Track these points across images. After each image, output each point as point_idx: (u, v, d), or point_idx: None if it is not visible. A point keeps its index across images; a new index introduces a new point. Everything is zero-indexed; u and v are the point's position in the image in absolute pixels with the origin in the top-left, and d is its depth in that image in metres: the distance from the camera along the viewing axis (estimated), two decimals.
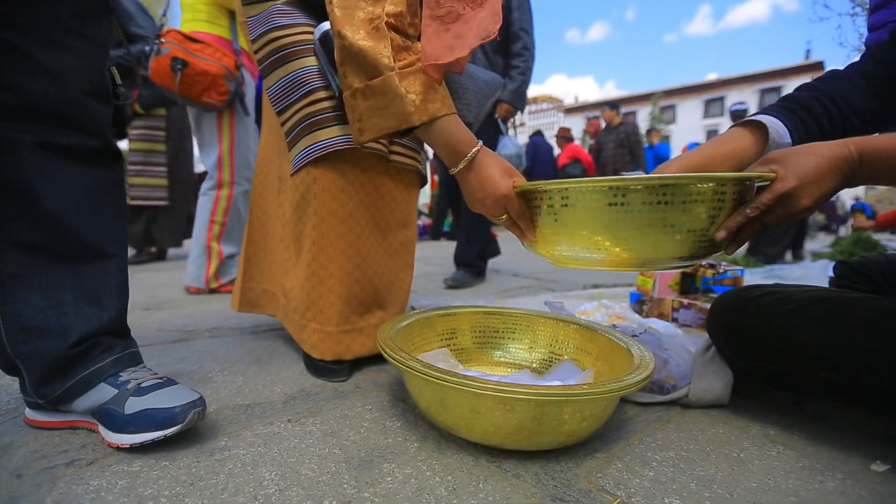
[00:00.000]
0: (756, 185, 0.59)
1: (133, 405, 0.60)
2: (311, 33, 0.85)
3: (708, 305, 1.21)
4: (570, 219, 0.60)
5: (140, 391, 0.62)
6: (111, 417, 0.60)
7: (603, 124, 5.46)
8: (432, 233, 5.32)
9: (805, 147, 0.57)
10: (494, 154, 0.70)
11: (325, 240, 0.86)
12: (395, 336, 0.72)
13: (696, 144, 3.11)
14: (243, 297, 1.09)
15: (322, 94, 0.84)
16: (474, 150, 0.68)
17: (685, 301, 1.26)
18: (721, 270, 1.32)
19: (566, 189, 0.59)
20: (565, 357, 0.84)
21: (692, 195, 0.54)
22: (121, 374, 0.64)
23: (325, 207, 0.86)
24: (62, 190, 0.61)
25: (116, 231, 0.67)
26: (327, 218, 0.86)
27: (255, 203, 1.07)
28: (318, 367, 0.88)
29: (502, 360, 0.89)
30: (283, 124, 0.89)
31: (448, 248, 4.16)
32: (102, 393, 0.62)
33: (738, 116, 3.97)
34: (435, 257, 3.33)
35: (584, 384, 0.56)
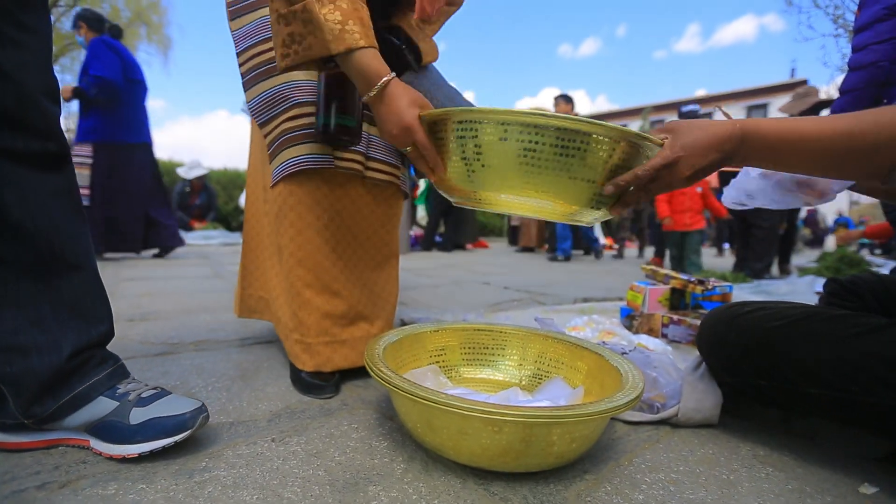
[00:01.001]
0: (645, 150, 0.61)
1: (138, 415, 0.60)
2: None
3: (697, 322, 1.21)
4: (477, 152, 0.60)
5: (142, 401, 0.62)
6: (114, 429, 0.60)
7: None
8: (424, 244, 5.32)
9: (699, 122, 0.59)
10: (407, 86, 0.69)
11: (302, 251, 0.87)
12: (382, 353, 0.71)
13: None
14: (243, 303, 1.11)
15: (301, 111, 0.85)
16: (384, 79, 0.66)
17: (675, 317, 1.26)
18: (710, 287, 1.33)
19: (473, 122, 0.60)
20: (555, 375, 0.83)
21: (590, 142, 0.57)
22: (118, 386, 0.64)
23: (301, 220, 0.86)
24: (25, 198, 0.58)
25: (82, 239, 0.64)
26: (304, 230, 0.86)
27: (249, 213, 1.07)
28: (304, 384, 0.86)
29: (491, 377, 0.88)
30: (265, 136, 0.90)
31: (440, 259, 4.16)
32: (101, 406, 0.61)
33: (691, 117, 3.93)
34: (427, 269, 3.31)
35: (573, 405, 0.55)
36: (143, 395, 0.63)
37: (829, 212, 15.59)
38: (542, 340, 0.87)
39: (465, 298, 2.03)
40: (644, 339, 1.12)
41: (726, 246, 6.57)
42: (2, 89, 0.55)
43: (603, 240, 7.07)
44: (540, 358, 0.87)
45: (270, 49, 0.85)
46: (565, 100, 4.39)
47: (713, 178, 4.54)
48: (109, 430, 0.60)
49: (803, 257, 5.86)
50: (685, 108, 3.92)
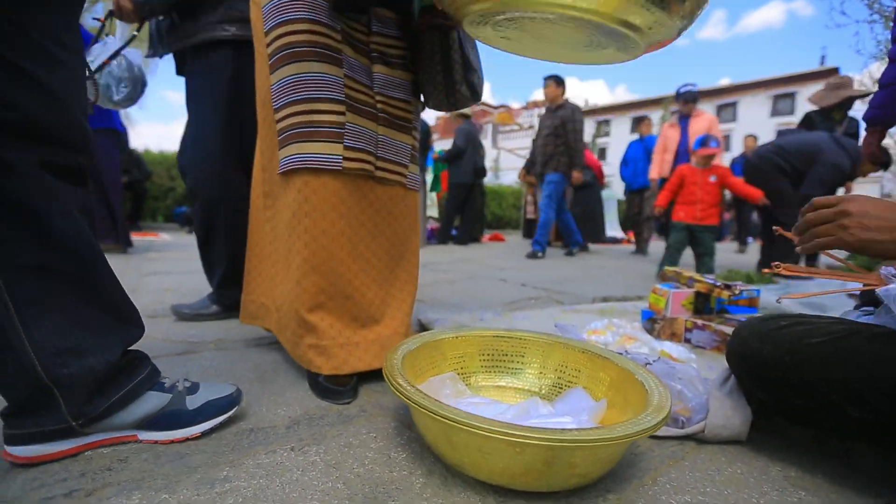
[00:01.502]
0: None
1: (194, 402, 0.69)
2: (313, 32, 0.84)
3: (723, 327, 1.18)
4: None
5: (189, 390, 0.71)
6: (175, 417, 0.68)
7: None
8: (440, 237, 5.31)
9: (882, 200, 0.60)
10: None
11: (317, 258, 0.87)
12: (401, 363, 0.70)
13: (705, 136, 2.94)
14: (245, 309, 1.12)
15: (313, 107, 0.84)
16: None
17: (699, 322, 1.22)
18: (737, 291, 1.28)
19: None
20: (576, 385, 0.82)
21: None
22: (163, 381, 0.70)
23: (316, 226, 0.86)
24: (65, 209, 0.60)
25: (98, 248, 0.66)
26: (318, 237, 0.87)
27: (253, 217, 1.06)
28: (322, 389, 0.86)
29: (511, 385, 0.87)
30: (277, 122, 0.90)
31: (456, 252, 4.14)
32: (155, 401, 0.67)
33: (689, 97, 3.67)
34: (443, 263, 3.30)
35: (597, 428, 0.53)
36: (186, 385, 0.71)
37: None
38: (563, 349, 0.86)
39: (481, 295, 2.02)
40: (667, 346, 1.10)
41: (749, 240, 6.36)
42: (50, 107, 0.57)
43: (622, 234, 6.96)
44: (561, 367, 0.85)
45: (287, 33, 0.84)
46: (556, 82, 4.00)
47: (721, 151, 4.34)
48: (170, 418, 0.68)
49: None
50: (683, 89, 3.70)
